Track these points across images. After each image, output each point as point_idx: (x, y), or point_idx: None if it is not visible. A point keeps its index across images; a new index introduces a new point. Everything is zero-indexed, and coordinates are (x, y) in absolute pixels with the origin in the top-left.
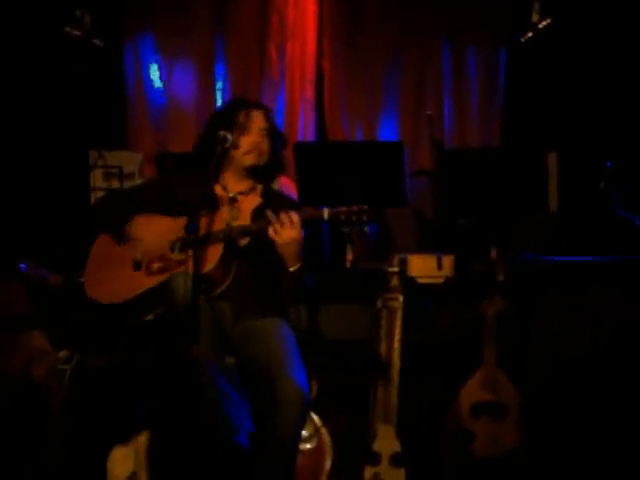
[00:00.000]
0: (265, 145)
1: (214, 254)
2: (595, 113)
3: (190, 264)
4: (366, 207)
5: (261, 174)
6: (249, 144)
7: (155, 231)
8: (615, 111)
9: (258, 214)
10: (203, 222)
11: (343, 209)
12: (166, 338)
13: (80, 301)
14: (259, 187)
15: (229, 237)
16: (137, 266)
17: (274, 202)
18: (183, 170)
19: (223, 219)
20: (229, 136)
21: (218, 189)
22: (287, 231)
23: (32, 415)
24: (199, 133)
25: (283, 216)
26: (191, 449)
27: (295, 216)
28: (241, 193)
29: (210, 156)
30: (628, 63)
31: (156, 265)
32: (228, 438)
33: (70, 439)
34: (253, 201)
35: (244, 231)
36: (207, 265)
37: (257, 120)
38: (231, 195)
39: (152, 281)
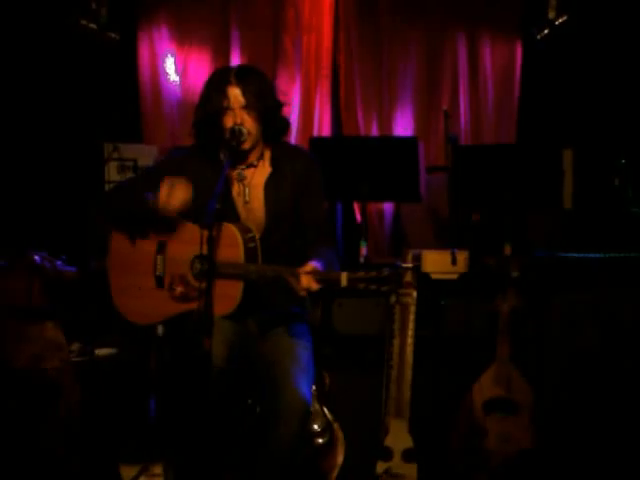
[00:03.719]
0: (248, 122)
1: (234, 291)
2: (610, 110)
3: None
4: (386, 273)
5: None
6: (231, 124)
7: (176, 236)
8: (630, 109)
9: (270, 188)
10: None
11: (362, 274)
12: (179, 332)
13: (94, 293)
14: (267, 153)
15: (247, 278)
16: (159, 282)
17: (285, 167)
18: (192, 157)
19: (236, 240)
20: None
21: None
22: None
23: (43, 407)
24: (196, 117)
25: (303, 281)
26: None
27: (314, 285)
28: (248, 166)
29: (217, 146)
30: None
31: (179, 290)
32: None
33: (82, 432)
34: (263, 172)
35: (262, 276)
36: (228, 305)
37: (233, 97)
38: (237, 172)
39: (177, 309)
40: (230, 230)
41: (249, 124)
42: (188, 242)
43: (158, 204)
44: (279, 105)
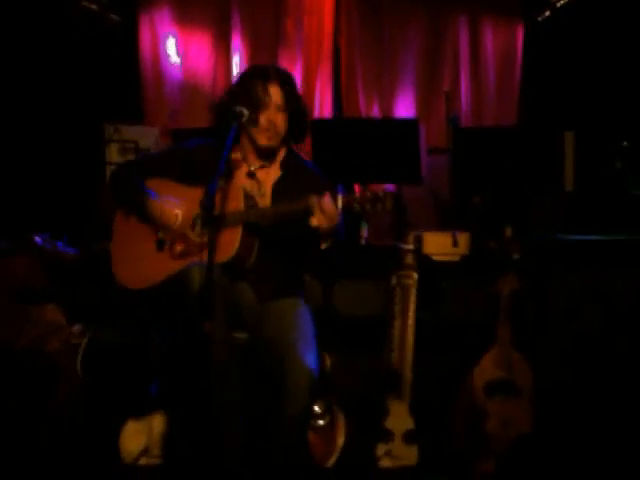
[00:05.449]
0: (281, 123)
1: (233, 238)
2: (612, 93)
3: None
4: (381, 194)
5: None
6: (266, 121)
7: (176, 203)
8: (632, 91)
9: (279, 189)
10: (219, 197)
11: (356, 196)
12: (180, 314)
13: (95, 275)
14: (280, 155)
15: (260, 220)
16: (160, 245)
17: (294, 175)
18: (202, 143)
19: (240, 195)
20: (245, 111)
21: (237, 162)
22: (327, 215)
23: (43, 388)
24: (216, 105)
25: (324, 202)
26: (203, 426)
27: (332, 204)
28: (261, 167)
29: (226, 131)
30: None
31: (179, 248)
32: (238, 415)
33: (82, 413)
34: (273, 174)
35: (262, 215)
36: (227, 251)
37: (274, 95)
38: (251, 169)
39: (176, 266)
40: (235, 188)
41: (281, 124)
42: (189, 203)
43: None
44: (306, 112)
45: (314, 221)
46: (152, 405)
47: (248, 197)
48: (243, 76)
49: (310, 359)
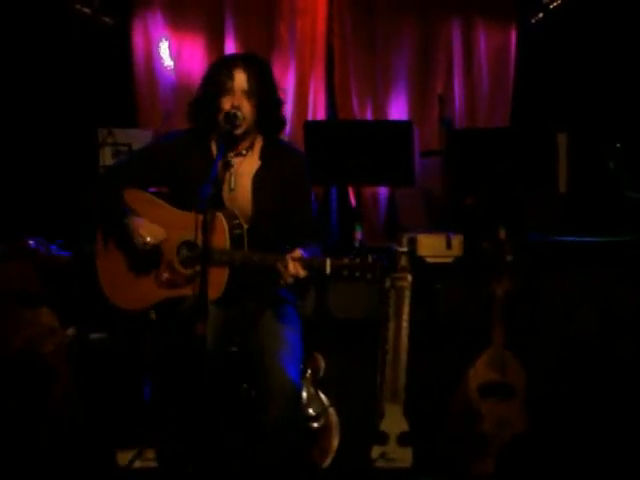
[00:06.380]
0: (247, 108)
1: (220, 278)
2: (605, 94)
3: (196, 287)
4: (371, 261)
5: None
6: (229, 107)
7: (154, 228)
8: (625, 92)
9: (258, 181)
10: (198, 227)
11: (346, 262)
12: (173, 317)
13: (88, 278)
14: (258, 144)
15: (232, 265)
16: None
17: (275, 165)
18: (180, 135)
19: (222, 225)
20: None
21: (213, 153)
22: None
23: (37, 392)
24: (193, 101)
25: (291, 267)
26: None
27: (302, 272)
28: (236, 154)
29: (209, 130)
30: (639, 44)
31: (165, 275)
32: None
33: (77, 415)
34: (251, 165)
35: (247, 262)
36: (215, 291)
37: (238, 80)
38: (225, 159)
39: (163, 294)
40: (216, 216)
41: (246, 110)
42: (174, 227)
43: (133, 236)
44: (279, 101)
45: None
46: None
47: (231, 217)
48: (211, 65)
49: (292, 370)
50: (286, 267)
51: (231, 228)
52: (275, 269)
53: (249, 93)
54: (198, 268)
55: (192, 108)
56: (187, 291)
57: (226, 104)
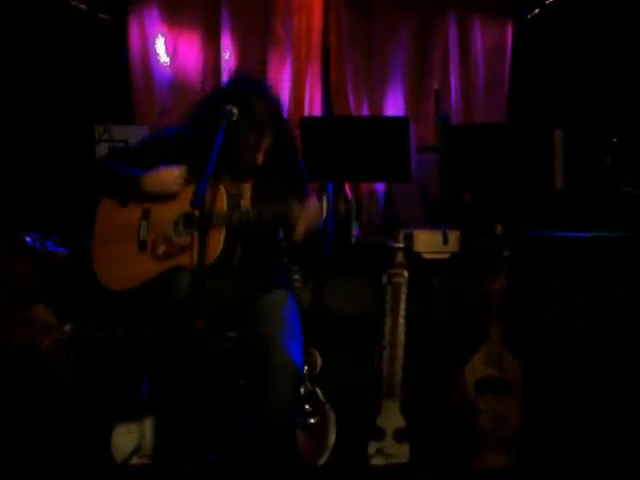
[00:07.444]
0: (267, 143)
1: (216, 239)
2: (602, 90)
3: (194, 254)
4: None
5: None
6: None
7: (161, 200)
8: (622, 88)
9: (259, 189)
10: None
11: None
12: (171, 313)
13: (85, 275)
14: None
15: (244, 223)
16: (142, 246)
17: (277, 174)
18: (180, 130)
19: (222, 195)
20: (235, 110)
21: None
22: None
23: (35, 389)
24: (197, 106)
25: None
26: (193, 425)
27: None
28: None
29: (213, 129)
30: (635, 40)
31: (161, 249)
32: (230, 415)
33: (74, 412)
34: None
35: (246, 218)
36: (211, 253)
37: (258, 116)
38: (229, 188)
39: (158, 267)
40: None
41: (266, 144)
42: (172, 203)
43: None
44: (290, 122)
45: (296, 230)
46: (143, 408)
47: (231, 196)
48: (228, 84)
49: (294, 351)
50: (291, 210)
51: (229, 193)
52: (279, 219)
53: (268, 126)
54: (194, 235)
55: (205, 108)
56: (184, 260)
57: (249, 138)
